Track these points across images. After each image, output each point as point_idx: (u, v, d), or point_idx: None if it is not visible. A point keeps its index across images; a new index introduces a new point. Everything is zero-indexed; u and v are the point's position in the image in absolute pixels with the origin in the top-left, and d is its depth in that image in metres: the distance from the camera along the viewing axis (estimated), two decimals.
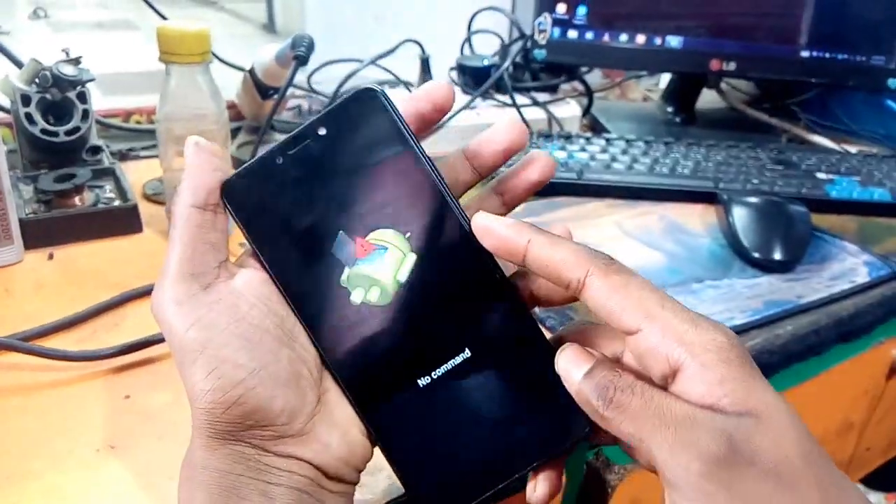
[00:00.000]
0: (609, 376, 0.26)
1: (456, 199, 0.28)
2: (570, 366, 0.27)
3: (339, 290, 0.28)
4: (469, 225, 0.28)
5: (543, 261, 0.26)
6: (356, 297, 0.28)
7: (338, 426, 0.28)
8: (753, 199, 0.64)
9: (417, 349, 0.28)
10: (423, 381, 0.28)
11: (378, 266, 0.28)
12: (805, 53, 0.84)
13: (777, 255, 0.59)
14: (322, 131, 0.28)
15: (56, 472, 0.35)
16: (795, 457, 0.23)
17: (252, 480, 0.26)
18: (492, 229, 0.27)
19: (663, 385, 0.25)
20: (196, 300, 0.26)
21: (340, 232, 0.28)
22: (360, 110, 0.28)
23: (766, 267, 0.58)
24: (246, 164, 0.28)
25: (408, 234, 0.28)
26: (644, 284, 0.26)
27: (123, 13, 1.53)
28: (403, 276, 0.28)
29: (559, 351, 0.27)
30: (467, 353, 0.28)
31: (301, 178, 0.28)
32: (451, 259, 0.28)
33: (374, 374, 0.28)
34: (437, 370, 0.28)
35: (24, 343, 0.41)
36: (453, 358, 0.28)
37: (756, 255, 0.59)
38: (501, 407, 0.28)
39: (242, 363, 0.26)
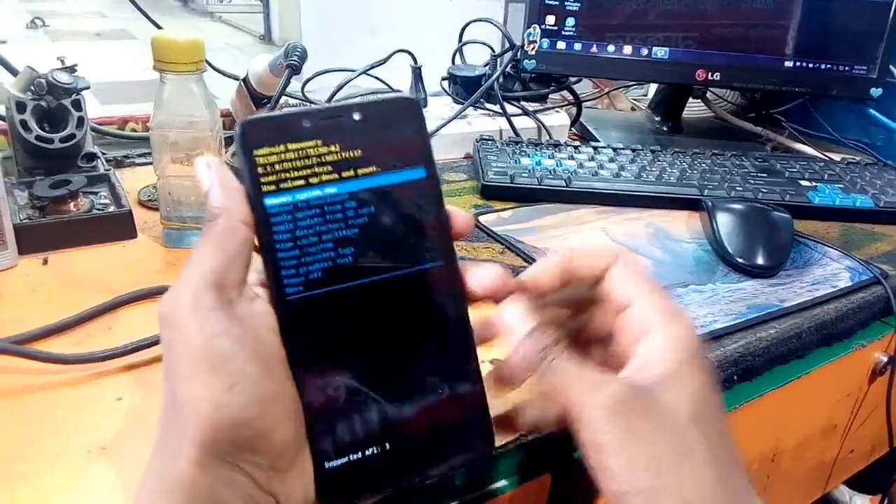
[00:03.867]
0: (548, 340, 0.30)
1: (451, 236, 0.30)
2: (515, 319, 0.31)
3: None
4: (452, 259, 0.30)
5: (585, 260, 0.33)
6: None
7: (306, 476, 0.28)
8: (737, 206, 0.65)
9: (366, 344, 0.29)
10: (360, 372, 0.29)
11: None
12: (789, 63, 0.86)
13: (760, 261, 0.60)
14: (356, 116, 0.29)
15: (46, 474, 0.35)
16: (690, 417, 0.28)
17: None
18: (547, 269, 0.33)
19: (631, 349, 0.31)
20: (225, 311, 0.26)
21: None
22: (397, 113, 0.29)
23: (750, 272, 0.60)
24: (273, 113, 0.29)
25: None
26: (644, 273, 0.33)
27: (120, 23, 1.55)
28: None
29: (505, 302, 0.31)
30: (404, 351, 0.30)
31: (320, 149, 0.28)
32: (428, 284, 0.30)
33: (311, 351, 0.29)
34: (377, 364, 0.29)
35: (17, 346, 0.42)
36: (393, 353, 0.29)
37: (740, 260, 0.60)
38: (422, 409, 0.29)
39: (260, 384, 0.26)
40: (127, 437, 0.38)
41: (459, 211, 0.31)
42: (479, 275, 0.31)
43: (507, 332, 0.31)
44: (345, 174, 0.28)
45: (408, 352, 0.29)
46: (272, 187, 0.28)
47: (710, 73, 0.86)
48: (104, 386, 0.42)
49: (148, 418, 0.39)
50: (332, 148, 0.28)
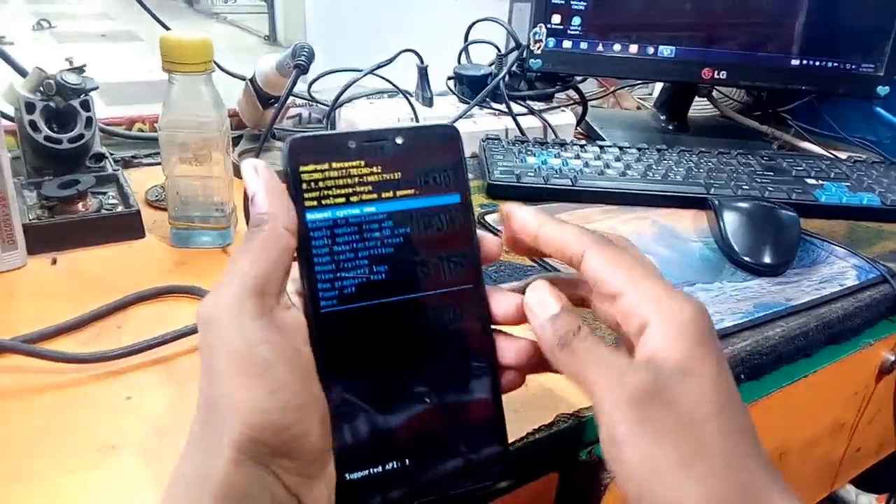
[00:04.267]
0: (572, 325, 0.30)
1: (481, 261, 0.32)
2: (540, 303, 0.30)
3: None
4: (480, 282, 0.31)
5: (551, 239, 0.31)
6: None
7: (331, 485, 0.28)
8: (744, 204, 0.65)
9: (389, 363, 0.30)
10: (386, 387, 0.30)
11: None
12: (796, 62, 0.86)
13: (767, 259, 0.60)
14: (399, 140, 0.30)
15: (57, 472, 0.36)
16: (708, 408, 0.27)
17: None
18: (514, 213, 0.32)
19: (636, 340, 0.29)
20: (264, 319, 0.26)
21: None
22: (437, 140, 0.31)
23: (756, 270, 0.60)
24: (321, 133, 0.30)
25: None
26: (634, 258, 0.30)
27: (127, 24, 1.56)
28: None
29: (531, 286, 0.31)
30: (425, 378, 0.30)
31: (362, 169, 0.29)
32: (456, 305, 0.31)
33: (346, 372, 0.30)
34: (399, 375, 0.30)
35: (27, 345, 0.42)
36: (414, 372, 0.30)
37: (746, 258, 0.60)
38: (442, 429, 0.30)
39: (299, 392, 0.26)
40: (137, 435, 0.38)
41: (490, 236, 0.32)
42: (504, 303, 0.31)
43: (530, 316, 0.31)
44: (384, 195, 0.30)
45: (432, 370, 0.30)
46: (314, 203, 0.29)
47: (716, 72, 0.86)
48: (113, 385, 0.42)
49: (157, 417, 0.40)
50: (374, 169, 0.30)
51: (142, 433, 0.38)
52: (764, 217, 0.64)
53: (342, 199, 0.29)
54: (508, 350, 0.31)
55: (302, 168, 0.29)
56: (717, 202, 0.66)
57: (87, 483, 0.35)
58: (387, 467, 0.29)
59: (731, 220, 0.64)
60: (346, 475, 0.29)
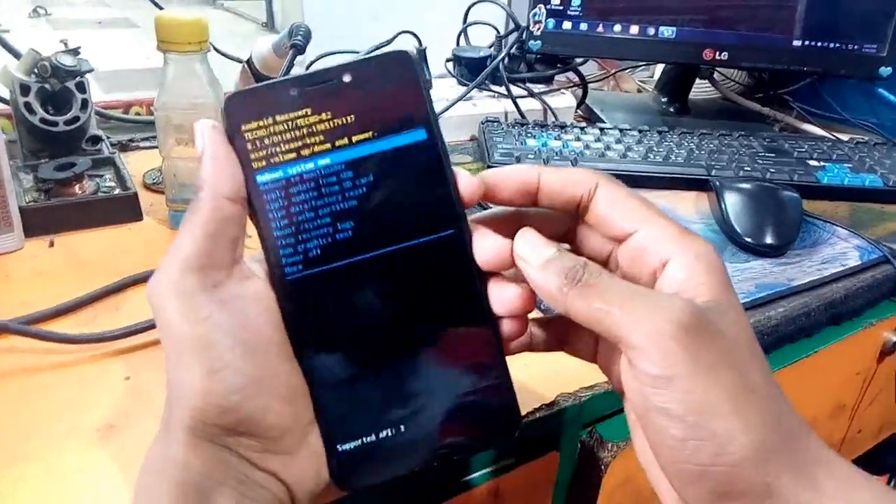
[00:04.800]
0: (577, 261, 0.27)
1: (461, 203, 0.28)
2: (530, 249, 0.27)
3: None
4: (463, 227, 0.28)
5: (555, 183, 0.29)
6: None
7: (317, 457, 0.27)
8: (745, 185, 0.65)
9: (378, 327, 0.28)
10: (370, 352, 0.28)
11: None
12: (797, 43, 0.85)
13: (769, 240, 0.59)
14: (346, 78, 0.27)
15: (56, 452, 0.35)
16: (747, 346, 0.26)
17: (229, 490, 0.25)
18: (506, 170, 0.29)
19: (651, 282, 0.27)
20: (205, 296, 0.25)
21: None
22: (390, 70, 0.27)
23: (758, 251, 0.59)
24: (257, 85, 0.27)
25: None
26: (643, 198, 0.29)
27: (123, 11, 1.54)
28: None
29: (518, 234, 0.28)
30: (418, 333, 0.28)
31: (310, 118, 0.27)
32: (438, 255, 0.28)
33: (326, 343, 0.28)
34: (388, 342, 0.28)
35: (25, 326, 0.42)
36: (406, 335, 0.28)
37: (748, 239, 0.60)
38: (438, 390, 0.28)
39: (244, 370, 0.25)
40: (135, 416, 0.38)
41: (466, 175, 0.28)
42: (490, 247, 0.28)
43: (523, 266, 0.27)
44: (338, 143, 0.27)
45: (420, 329, 0.28)
46: (263, 163, 0.27)
47: (717, 53, 0.85)
48: (112, 366, 0.42)
49: (155, 397, 0.39)
50: (323, 116, 0.27)
51: (141, 413, 0.38)
52: (765, 198, 0.64)
53: (293, 155, 0.27)
54: (503, 296, 0.28)
55: (244, 127, 0.26)
56: (718, 183, 0.66)
57: (87, 464, 0.35)
58: (381, 435, 0.28)
59: (732, 201, 0.63)
60: (338, 446, 0.27)
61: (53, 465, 0.35)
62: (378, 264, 0.27)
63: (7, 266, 0.51)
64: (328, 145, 0.27)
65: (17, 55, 0.63)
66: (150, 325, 0.44)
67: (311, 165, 0.27)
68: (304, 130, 0.27)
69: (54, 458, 0.35)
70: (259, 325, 0.26)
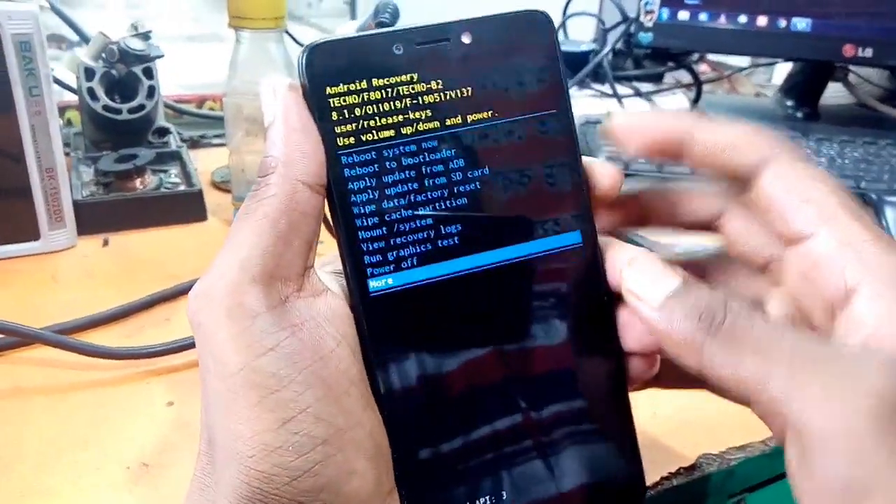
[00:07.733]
0: (714, 300, 0.19)
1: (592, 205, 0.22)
2: (647, 281, 0.20)
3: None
4: (592, 234, 0.22)
5: (713, 145, 0.21)
6: None
7: None
8: None
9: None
10: (471, 397, 0.21)
11: None
12: None
13: None
14: (466, 39, 0.21)
15: (76, 491, 0.30)
16: None
17: None
18: (647, 118, 0.22)
19: (829, 315, 0.19)
20: (271, 317, 0.18)
21: None
22: (520, 33, 0.21)
23: None
24: (349, 35, 0.21)
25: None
26: (834, 183, 0.20)
27: (213, 27, 1.56)
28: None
29: (628, 261, 0.21)
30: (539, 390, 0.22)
31: (416, 86, 0.20)
32: (565, 271, 0.22)
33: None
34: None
35: (60, 336, 0.36)
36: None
37: None
38: (549, 451, 0.22)
39: (326, 417, 0.18)
40: (173, 454, 0.32)
41: (600, 163, 0.22)
42: (620, 261, 0.21)
43: (634, 303, 0.20)
44: (450, 122, 0.21)
45: (534, 370, 0.21)
46: (350, 139, 0.20)
47: (859, 49, 0.73)
48: (155, 387, 0.36)
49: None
50: (433, 85, 0.21)
51: (181, 451, 0.32)
52: None
53: (390, 132, 0.20)
54: (631, 327, 0.21)
55: (329, 90, 0.20)
56: (874, 196, 0.55)
57: None
58: None
59: (894, 217, 0.52)
60: None
61: None
62: (488, 282, 0.21)
63: (55, 265, 0.46)
64: (436, 123, 0.21)
65: (86, 39, 0.59)
66: None
67: (413, 148, 0.21)
68: (408, 101, 0.20)
69: (73, 498, 0.29)
70: (339, 358, 0.19)
